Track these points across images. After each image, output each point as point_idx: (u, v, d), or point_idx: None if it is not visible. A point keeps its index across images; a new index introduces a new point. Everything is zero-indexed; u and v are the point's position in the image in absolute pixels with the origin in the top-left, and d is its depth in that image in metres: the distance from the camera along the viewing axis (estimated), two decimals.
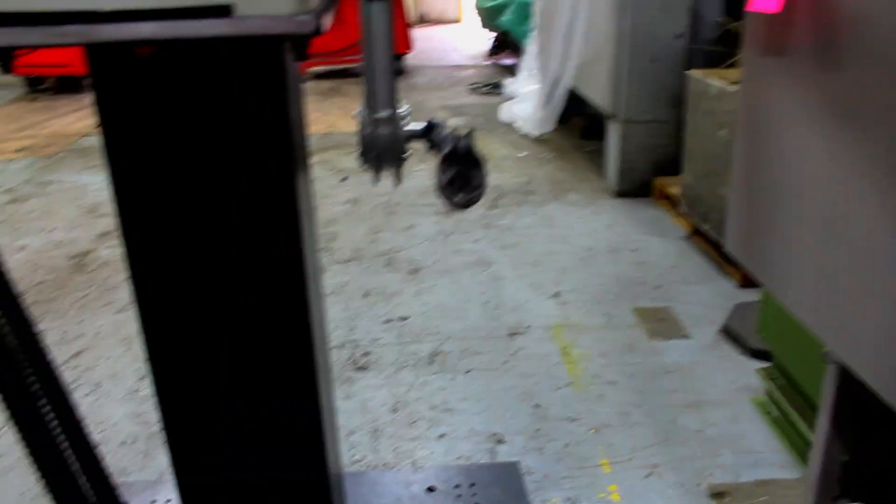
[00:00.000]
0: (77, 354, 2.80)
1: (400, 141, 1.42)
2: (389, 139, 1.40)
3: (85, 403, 2.47)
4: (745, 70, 1.63)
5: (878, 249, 1.20)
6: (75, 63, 7.36)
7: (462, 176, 1.44)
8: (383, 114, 1.38)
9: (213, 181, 1.26)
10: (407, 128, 1.43)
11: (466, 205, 1.47)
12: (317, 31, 0.93)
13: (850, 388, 1.64)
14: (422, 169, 4.98)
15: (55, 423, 1.25)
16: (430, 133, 1.48)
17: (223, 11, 0.86)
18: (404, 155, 1.45)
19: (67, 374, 2.64)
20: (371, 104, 1.37)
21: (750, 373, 2.57)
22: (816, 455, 1.73)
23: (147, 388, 2.55)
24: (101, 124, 1.21)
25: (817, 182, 1.36)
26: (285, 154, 1.25)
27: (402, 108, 1.42)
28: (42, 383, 1.22)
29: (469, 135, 1.46)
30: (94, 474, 1.32)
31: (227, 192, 1.26)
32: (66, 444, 1.27)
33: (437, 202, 4.36)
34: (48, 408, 1.24)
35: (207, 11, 0.86)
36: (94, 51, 1.16)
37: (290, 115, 1.23)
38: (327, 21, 1.09)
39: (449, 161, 1.44)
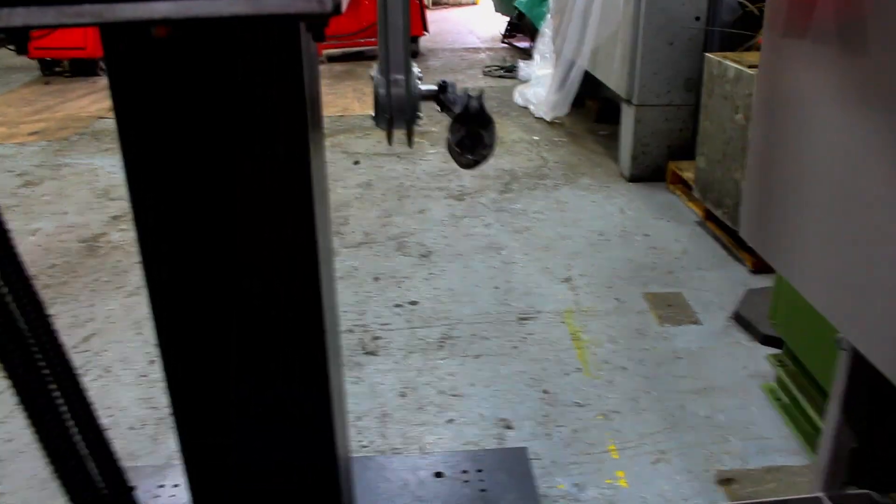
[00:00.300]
0: (87, 338, 2.82)
1: (413, 101, 1.46)
2: (403, 99, 1.44)
3: (94, 387, 2.49)
4: (765, 52, 1.60)
5: (894, 236, 1.18)
6: (90, 46, 7.38)
7: (472, 135, 1.49)
8: (397, 75, 1.43)
9: (227, 164, 1.25)
10: (420, 88, 1.48)
11: (476, 163, 1.53)
12: (336, 10, 0.91)
13: (862, 374, 1.62)
14: (434, 153, 4.97)
15: (64, 407, 1.25)
16: (441, 93, 1.53)
17: None
18: (417, 115, 1.49)
19: (78, 358, 2.66)
20: (385, 66, 1.42)
21: (760, 359, 2.56)
22: (826, 442, 1.72)
23: (156, 373, 2.56)
24: (115, 106, 1.20)
25: (834, 167, 1.34)
26: (300, 137, 1.24)
27: (415, 70, 1.47)
28: (52, 367, 1.22)
29: (480, 96, 1.50)
30: (102, 458, 1.32)
31: (241, 175, 1.26)
32: (75, 428, 1.27)
33: (450, 186, 4.36)
34: (58, 392, 1.24)
35: None
36: (110, 31, 1.15)
37: (307, 97, 1.23)
38: (346, 1, 1.08)
39: (460, 121, 1.49)
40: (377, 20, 1.41)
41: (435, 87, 1.52)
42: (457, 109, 1.49)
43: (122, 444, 2.19)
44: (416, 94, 1.47)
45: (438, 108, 1.56)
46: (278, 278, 1.35)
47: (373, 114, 1.48)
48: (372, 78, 1.45)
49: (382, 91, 1.43)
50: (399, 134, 1.54)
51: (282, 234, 1.31)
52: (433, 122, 5.47)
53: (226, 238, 1.31)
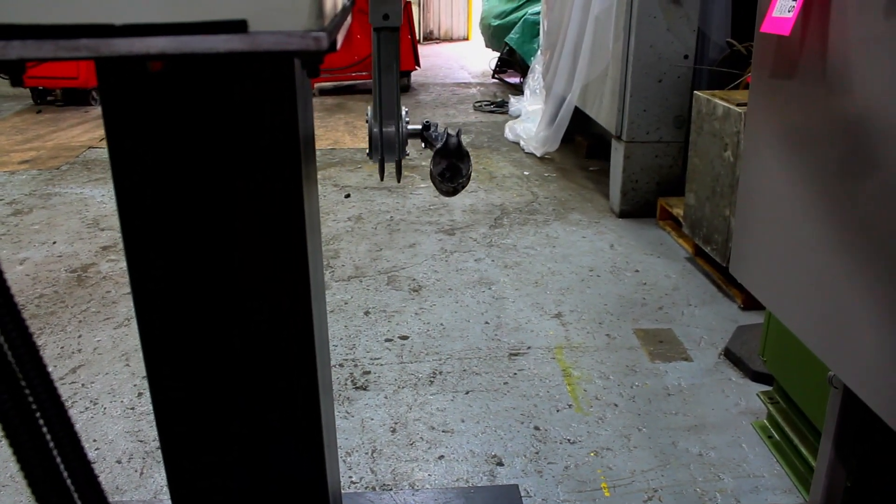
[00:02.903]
0: (75, 370, 2.79)
1: (401, 139, 1.68)
2: (393, 138, 1.67)
3: (81, 420, 2.45)
4: (754, 92, 1.62)
5: (882, 274, 1.18)
6: (82, 76, 7.41)
7: (452, 167, 1.72)
8: (388, 118, 1.66)
9: (220, 197, 1.25)
10: (407, 128, 1.71)
11: (455, 191, 1.76)
12: (332, 48, 0.92)
13: (854, 412, 1.62)
14: (424, 186, 4.98)
15: (50, 439, 1.23)
16: (425, 131, 1.77)
17: (237, 27, 0.85)
18: (405, 152, 1.72)
19: (65, 390, 2.63)
20: (378, 111, 1.66)
21: (751, 396, 2.55)
22: (819, 480, 1.71)
23: (144, 405, 2.53)
24: (108, 136, 1.20)
25: (823, 206, 1.35)
26: (293, 171, 1.25)
27: (403, 112, 1.71)
28: (38, 398, 1.21)
29: (458, 133, 1.74)
30: (89, 493, 1.30)
31: (233, 209, 1.26)
32: (60, 461, 1.25)
33: (440, 220, 4.37)
34: (43, 423, 1.22)
35: (221, 27, 0.85)
36: (105, 65, 1.16)
37: (300, 131, 1.23)
38: (341, 37, 1.08)
39: (441, 155, 1.71)
40: (371, 73, 1.64)
41: (419, 127, 1.76)
42: (438, 145, 1.71)
43: (109, 477, 2.16)
44: (404, 134, 1.69)
45: (423, 145, 1.78)
46: (269, 312, 1.34)
47: (367, 148, 1.70)
48: (367, 120, 1.69)
49: (376, 131, 1.67)
50: (390, 168, 1.76)
51: (273, 269, 1.31)
52: (424, 156, 5.50)
53: (217, 270, 1.30)
